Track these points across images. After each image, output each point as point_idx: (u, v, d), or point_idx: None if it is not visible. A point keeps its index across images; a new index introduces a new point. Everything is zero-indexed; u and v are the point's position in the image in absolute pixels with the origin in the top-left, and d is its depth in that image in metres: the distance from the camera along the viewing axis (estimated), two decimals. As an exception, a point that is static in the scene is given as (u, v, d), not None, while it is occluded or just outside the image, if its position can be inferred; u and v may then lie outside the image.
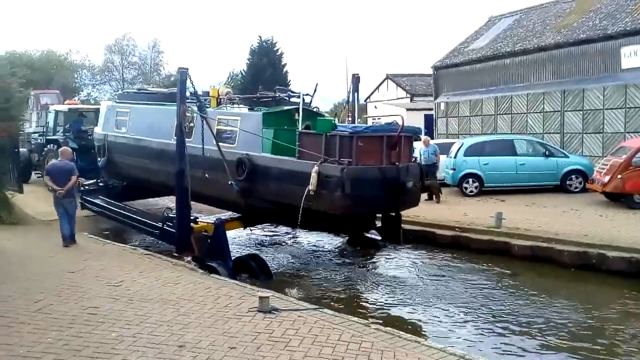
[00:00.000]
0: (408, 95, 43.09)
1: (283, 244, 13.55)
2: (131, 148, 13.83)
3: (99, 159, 15.03)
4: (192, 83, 10.46)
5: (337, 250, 12.85)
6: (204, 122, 10.47)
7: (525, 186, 16.84)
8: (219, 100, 11.82)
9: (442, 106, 27.01)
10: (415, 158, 11.71)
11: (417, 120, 36.41)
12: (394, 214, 11.68)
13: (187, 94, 10.62)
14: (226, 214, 12.20)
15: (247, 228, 12.60)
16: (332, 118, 11.05)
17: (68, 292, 7.39)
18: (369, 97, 50.82)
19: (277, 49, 51.26)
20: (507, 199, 15.92)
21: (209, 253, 10.22)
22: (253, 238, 14.13)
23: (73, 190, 10.99)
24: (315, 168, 9.19)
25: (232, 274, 9.71)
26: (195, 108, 10.90)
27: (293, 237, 14.14)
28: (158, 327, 6.07)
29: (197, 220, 10.87)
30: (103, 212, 13.99)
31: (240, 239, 13.70)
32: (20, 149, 17.66)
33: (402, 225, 13.07)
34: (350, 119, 11.93)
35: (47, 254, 10.26)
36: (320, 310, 7.03)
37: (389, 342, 5.89)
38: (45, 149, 18.63)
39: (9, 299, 7.01)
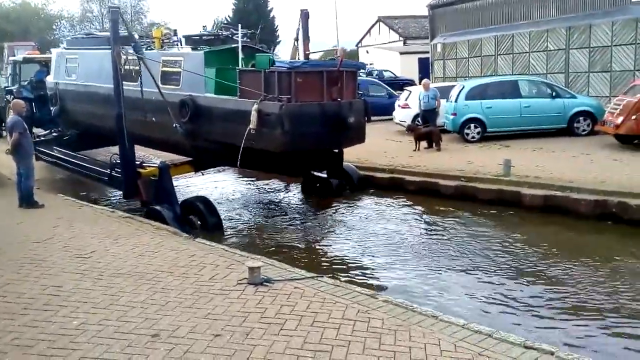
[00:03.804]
0: (401, 39, 41.50)
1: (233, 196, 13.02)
2: (81, 95, 13.50)
3: (51, 108, 14.68)
4: (125, 23, 10.35)
5: (301, 199, 12.60)
6: (141, 63, 10.12)
7: (531, 130, 15.84)
8: (162, 41, 11.65)
9: (439, 48, 25.61)
10: (361, 94, 11.41)
11: (411, 64, 35.13)
12: (337, 150, 11.72)
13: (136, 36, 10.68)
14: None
15: (199, 172, 12.54)
16: (270, 54, 10.63)
17: (29, 268, 6.44)
18: (360, 42, 49.09)
19: (263, -7, 49.05)
20: (512, 144, 14.98)
21: (156, 197, 10.13)
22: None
23: (22, 147, 10.08)
24: (255, 106, 9.17)
25: (178, 217, 9.62)
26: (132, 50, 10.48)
27: (285, 190, 13.39)
28: (129, 310, 5.16)
29: (144, 164, 10.94)
30: (56, 162, 13.87)
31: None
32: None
33: (403, 176, 12.44)
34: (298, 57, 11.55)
35: (16, 220, 9.29)
36: (319, 278, 6.15)
37: (402, 317, 5.02)
38: (4, 101, 17.98)
39: (-43, 279, 6.08)
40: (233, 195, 13.18)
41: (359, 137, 10.70)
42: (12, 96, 17.16)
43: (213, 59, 10.56)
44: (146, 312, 5.09)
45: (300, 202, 12.41)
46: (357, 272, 7.71)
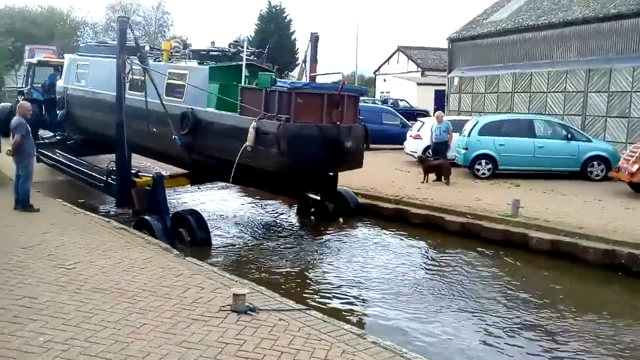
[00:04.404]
0: (419, 69, 41.56)
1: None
2: (88, 101, 13.57)
3: (58, 111, 14.87)
4: (133, 34, 10.58)
5: (298, 222, 12.38)
6: (146, 74, 10.19)
7: (543, 171, 15.51)
8: (171, 53, 11.82)
9: (456, 81, 25.50)
10: (362, 119, 11.33)
11: (427, 95, 35.04)
12: (332, 174, 11.71)
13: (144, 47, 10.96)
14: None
15: (196, 185, 12.66)
16: (274, 73, 10.80)
17: (8, 275, 6.19)
18: (378, 70, 49.22)
19: (286, 15, 49.53)
20: (522, 184, 14.62)
21: (149, 208, 10.10)
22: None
23: (23, 149, 10.01)
24: (253, 124, 9.18)
25: (168, 229, 9.54)
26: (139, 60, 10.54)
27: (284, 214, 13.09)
28: (101, 330, 4.87)
29: (139, 174, 10.92)
30: (56, 165, 14.05)
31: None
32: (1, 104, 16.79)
33: (408, 208, 12.15)
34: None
35: (8, 222, 9.09)
36: (307, 312, 5.83)
37: (388, 362, 4.70)
38: (15, 101, 18.31)
39: None
40: (233, 212, 12.93)
41: (356, 162, 10.64)
42: (22, 97, 17.28)
43: (218, 74, 10.61)
44: (118, 334, 4.80)
45: (298, 225, 12.12)
46: (348, 306, 7.37)
